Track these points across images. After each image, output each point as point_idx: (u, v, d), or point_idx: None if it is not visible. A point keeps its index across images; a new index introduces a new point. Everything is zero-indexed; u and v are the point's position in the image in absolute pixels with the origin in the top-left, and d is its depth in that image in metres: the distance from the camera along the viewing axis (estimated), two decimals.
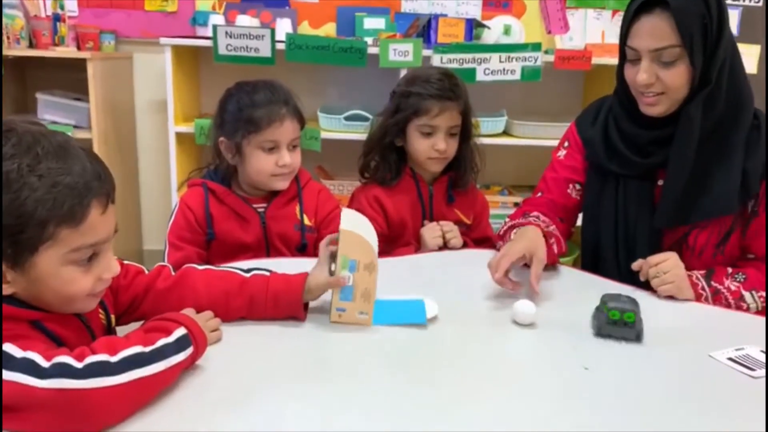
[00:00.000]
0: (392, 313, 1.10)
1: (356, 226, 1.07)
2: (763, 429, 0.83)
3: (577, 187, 1.52)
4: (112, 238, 0.84)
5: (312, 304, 1.11)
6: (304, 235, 1.54)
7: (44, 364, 0.72)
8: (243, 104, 1.45)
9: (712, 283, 1.28)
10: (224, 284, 1.06)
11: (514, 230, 1.39)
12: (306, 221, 1.55)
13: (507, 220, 1.53)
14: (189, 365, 0.86)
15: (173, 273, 1.06)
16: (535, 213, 1.47)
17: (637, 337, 1.07)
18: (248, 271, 1.09)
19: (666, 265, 1.26)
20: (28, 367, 0.71)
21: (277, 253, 1.52)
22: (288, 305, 1.06)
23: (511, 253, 1.23)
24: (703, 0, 1.20)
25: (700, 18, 1.21)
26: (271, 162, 1.46)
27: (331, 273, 1.08)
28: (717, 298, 1.27)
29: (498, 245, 1.49)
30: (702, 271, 1.30)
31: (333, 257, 1.09)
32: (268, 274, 1.09)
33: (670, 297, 1.26)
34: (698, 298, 1.27)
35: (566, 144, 1.55)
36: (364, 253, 1.05)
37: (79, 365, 0.73)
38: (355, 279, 1.07)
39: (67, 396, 0.71)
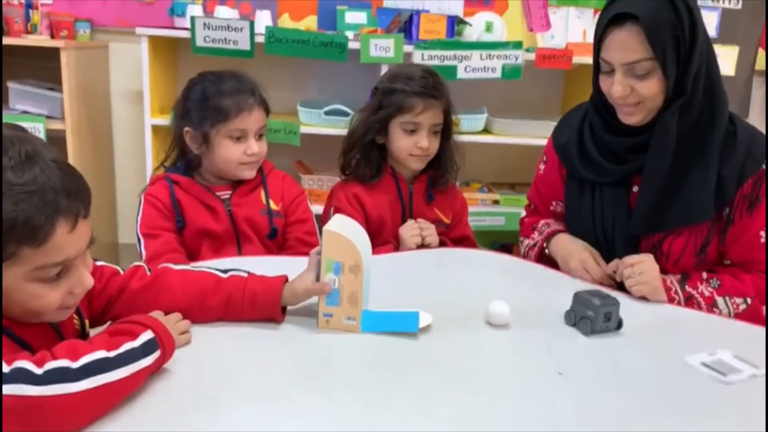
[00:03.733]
0: (383, 322, 1.07)
1: (342, 228, 1.05)
2: None
3: (560, 203, 1.55)
4: (85, 251, 0.81)
5: (299, 307, 1.09)
6: (272, 219, 1.54)
7: (4, 369, 0.69)
8: (210, 93, 1.44)
9: (686, 288, 1.28)
10: (201, 283, 1.03)
11: (548, 241, 1.49)
12: (272, 205, 1.55)
13: (522, 239, 1.63)
14: (156, 370, 0.84)
15: (148, 273, 1.03)
16: (542, 222, 1.57)
17: (618, 326, 1.12)
18: (226, 271, 1.07)
19: (641, 266, 1.27)
20: None
21: (247, 240, 1.51)
22: (266, 306, 1.04)
23: (587, 258, 1.37)
24: (674, 11, 1.18)
25: (672, 30, 1.19)
26: (239, 150, 1.46)
27: (319, 280, 1.05)
28: (689, 303, 1.27)
29: (525, 250, 1.60)
30: (677, 276, 1.31)
31: None
32: (245, 275, 1.07)
33: (644, 298, 1.26)
34: (671, 302, 1.27)
35: (544, 159, 1.57)
36: (348, 254, 1.03)
37: (38, 371, 0.70)
38: (341, 282, 1.04)
39: (26, 403, 0.68)
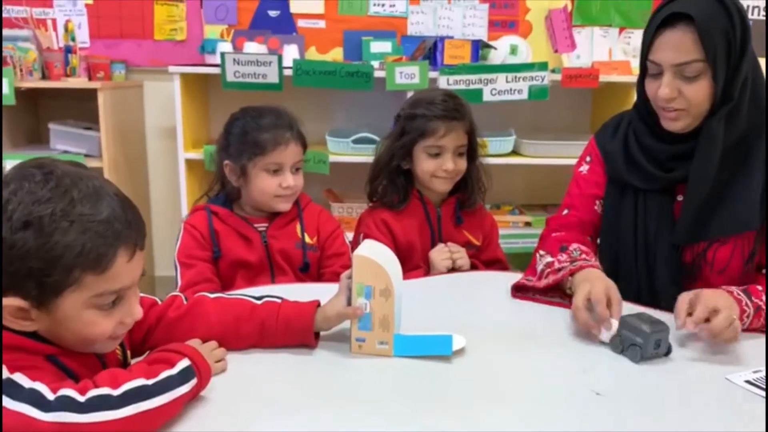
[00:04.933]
0: (416, 345, 1.07)
1: (372, 253, 1.05)
2: None
3: (603, 203, 1.49)
4: (137, 283, 0.84)
5: (331, 333, 1.09)
6: (306, 253, 1.56)
7: (49, 396, 0.72)
8: (249, 128, 1.49)
9: (753, 299, 1.23)
10: (235, 311, 1.05)
11: (572, 274, 1.28)
12: (307, 239, 1.57)
13: (543, 253, 1.42)
14: (193, 397, 0.85)
15: (185, 302, 1.05)
16: (575, 246, 1.38)
17: (668, 352, 1.08)
18: (260, 298, 1.09)
19: (728, 313, 1.11)
20: (34, 398, 0.71)
21: (281, 271, 1.53)
22: (299, 331, 1.05)
23: (601, 299, 1.13)
24: (727, 15, 1.19)
25: (724, 33, 1.19)
26: (274, 183, 1.50)
27: (350, 304, 1.06)
28: (758, 315, 1.21)
29: (530, 279, 1.38)
30: (740, 288, 1.24)
31: None
32: (279, 301, 1.08)
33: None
34: (742, 314, 1.18)
35: (588, 159, 1.52)
36: (378, 278, 1.03)
37: (81, 399, 0.73)
38: (372, 306, 1.05)
39: (70, 430, 0.70)
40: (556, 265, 1.34)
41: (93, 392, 0.74)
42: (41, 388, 0.72)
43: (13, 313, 0.76)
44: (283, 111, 1.54)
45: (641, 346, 1.05)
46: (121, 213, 0.79)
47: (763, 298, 1.23)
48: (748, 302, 1.21)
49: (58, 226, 0.74)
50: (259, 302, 1.07)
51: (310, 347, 1.06)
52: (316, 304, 1.07)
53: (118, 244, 0.78)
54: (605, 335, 1.10)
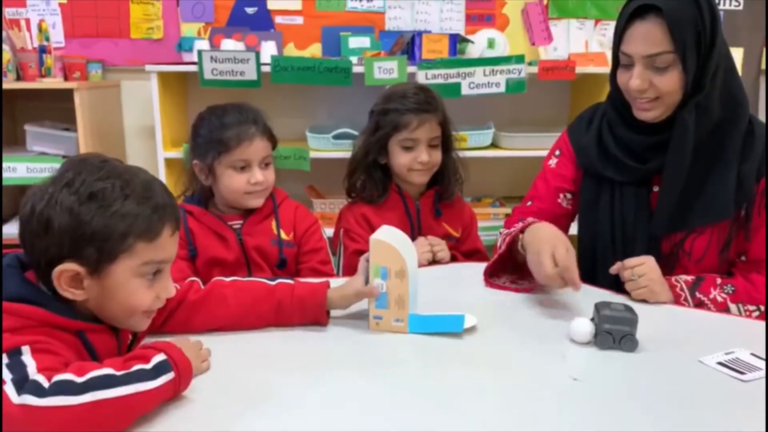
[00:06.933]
0: (430, 323, 1.13)
1: (387, 236, 1.11)
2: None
3: (568, 196, 1.51)
4: (172, 261, 0.93)
5: (351, 312, 1.17)
6: (282, 249, 1.56)
7: (28, 379, 0.74)
8: (213, 127, 1.49)
9: (697, 294, 1.27)
10: (252, 292, 1.12)
11: (524, 231, 1.32)
12: (283, 235, 1.57)
13: (502, 230, 1.51)
14: (173, 395, 0.85)
15: (203, 287, 1.13)
16: (531, 219, 1.43)
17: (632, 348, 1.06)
18: (273, 280, 1.17)
19: (640, 269, 1.27)
20: (18, 380, 0.74)
21: (258, 268, 1.53)
22: (313, 309, 1.12)
23: (568, 264, 1.17)
24: (696, 7, 1.21)
25: (693, 25, 1.21)
26: (243, 180, 1.49)
27: (368, 284, 1.13)
28: (700, 308, 1.26)
29: (500, 240, 1.44)
30: (690, 279, 1.29)
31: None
32: (292, 282, 1.16)
33: (644, 301, 1.26)
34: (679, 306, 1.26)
35: (557, 152, 1.54)
36: (393, 260, 1.10)
37: (46, 384, 0.74)
38: (388, 286, 1.11)
39: (30, 413, 0.72)
40: (506, 231, 1.41)
41: (58, 377, 0.75)
42: (31, 369, 0.75)
43: (68, 282, 0.83)
44: (247, 107, 1.53)
45: (634, 333, 1.06)
46: (167, 197, 0.91)
47: (716, 293, 1.26)
48: (688, 297, 1.27)
49: (117, 197, 0.84)
50: (273, 283, 1.15)
51: (321, 324, 1.13)
52: (327, 285, 1.15)
53: (165, 218, 0.88)
54: (578, 336, 1.09)
